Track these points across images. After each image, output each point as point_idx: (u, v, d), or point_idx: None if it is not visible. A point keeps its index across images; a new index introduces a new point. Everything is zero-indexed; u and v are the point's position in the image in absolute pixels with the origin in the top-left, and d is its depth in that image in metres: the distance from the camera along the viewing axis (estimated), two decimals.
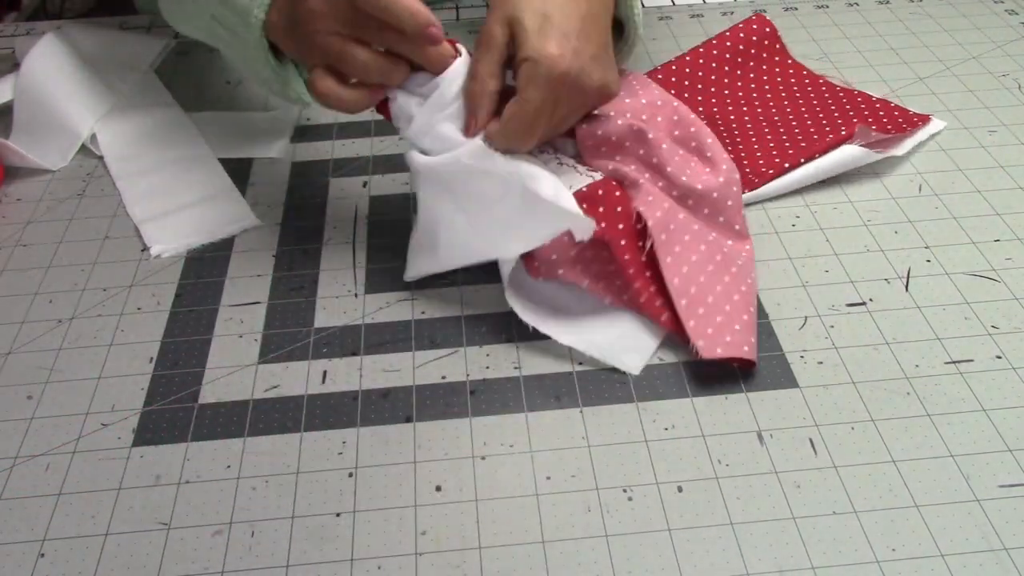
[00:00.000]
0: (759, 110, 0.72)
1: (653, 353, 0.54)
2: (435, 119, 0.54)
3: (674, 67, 0.72)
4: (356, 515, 0.47)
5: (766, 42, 0.76)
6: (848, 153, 0.66)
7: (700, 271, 0.56)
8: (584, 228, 0.52)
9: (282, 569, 0.45)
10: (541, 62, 0.51)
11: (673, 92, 0.67)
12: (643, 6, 0.89)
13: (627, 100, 0.60)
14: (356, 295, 0.59)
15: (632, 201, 0.56)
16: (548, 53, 0.51)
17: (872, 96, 0.73)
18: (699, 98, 0.72)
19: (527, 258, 0.54)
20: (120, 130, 0.73)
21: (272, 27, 0.57)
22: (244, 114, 0.76)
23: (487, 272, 0.60)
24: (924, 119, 0.71)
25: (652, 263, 0.56)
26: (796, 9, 0.88)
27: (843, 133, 0.67)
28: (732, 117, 0.71)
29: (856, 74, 0.78)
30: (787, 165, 0.66)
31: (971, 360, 0.53)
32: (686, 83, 0.72)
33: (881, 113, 0.71)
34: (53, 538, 0.46)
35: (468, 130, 0.54)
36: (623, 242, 0.54)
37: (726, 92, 0.73)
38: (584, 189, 0.55)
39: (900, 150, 0.68)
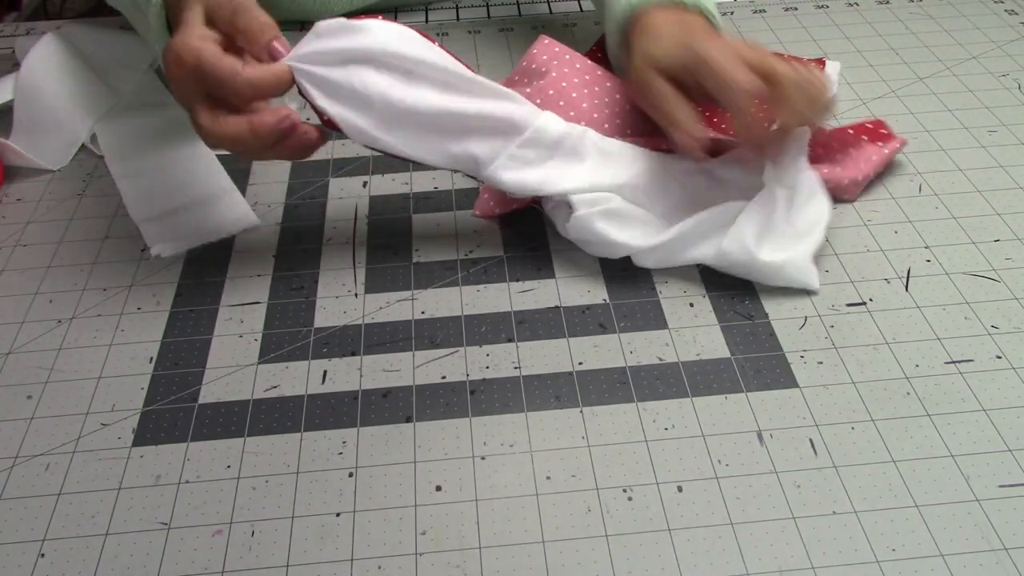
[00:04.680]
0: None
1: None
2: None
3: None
4: (356, 515, 0.47)
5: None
6: None
7: None
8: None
9: (282, 569, 0.45)
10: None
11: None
12: None
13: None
14: (356, 295, 0.59)
15: None
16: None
17: None
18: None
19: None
20: (120, 130, 0.73)
21: (170, 9, 0.58)
22: None
23: (487, 272, 0.60)
24: (820, 62, 0.76)
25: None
26: (796, 9, 0.88)
27: None
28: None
29: (856, 74, 0.78)
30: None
31: (971, 360, 0.53)
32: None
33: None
34: (53, 538, 0.46)
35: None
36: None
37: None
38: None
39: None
